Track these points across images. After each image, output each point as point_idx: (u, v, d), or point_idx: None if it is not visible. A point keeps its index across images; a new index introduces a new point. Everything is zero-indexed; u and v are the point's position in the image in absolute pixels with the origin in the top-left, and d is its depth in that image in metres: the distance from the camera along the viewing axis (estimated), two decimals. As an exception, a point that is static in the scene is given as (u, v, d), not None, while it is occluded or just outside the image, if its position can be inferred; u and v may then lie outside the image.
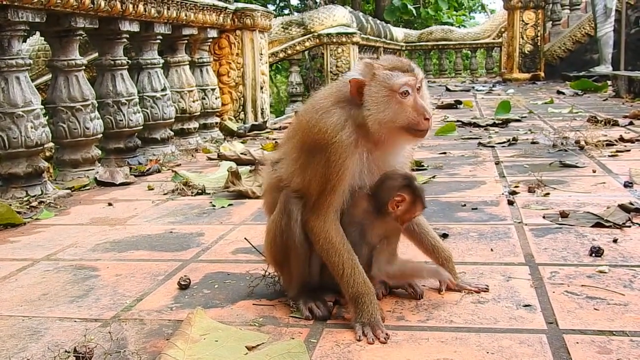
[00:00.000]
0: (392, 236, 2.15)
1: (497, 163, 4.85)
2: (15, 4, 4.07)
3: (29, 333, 2.07)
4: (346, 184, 2.00)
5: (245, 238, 2.74)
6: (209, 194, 4.26)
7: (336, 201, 2.01)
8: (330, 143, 1.95)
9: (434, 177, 4.40)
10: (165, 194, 4.32)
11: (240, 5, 7.84)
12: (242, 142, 6.79)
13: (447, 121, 7.58)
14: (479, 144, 5.89)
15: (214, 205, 3.89)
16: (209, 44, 7.45)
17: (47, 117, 4.78)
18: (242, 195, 4.08)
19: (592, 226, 2.99)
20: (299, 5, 30.41)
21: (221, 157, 5.52)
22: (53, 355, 1.85)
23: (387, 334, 1.90)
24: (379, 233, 2.11)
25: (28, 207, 4.00)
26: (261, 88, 8.24)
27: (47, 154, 5.90)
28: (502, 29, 19.79)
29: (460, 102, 10.18)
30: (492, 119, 7.58)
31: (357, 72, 2.02)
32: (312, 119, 2.03)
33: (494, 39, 20.81)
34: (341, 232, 2.04)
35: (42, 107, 4.49)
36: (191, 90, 6.76)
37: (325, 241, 2.02)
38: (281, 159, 2.17)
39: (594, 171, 4.30)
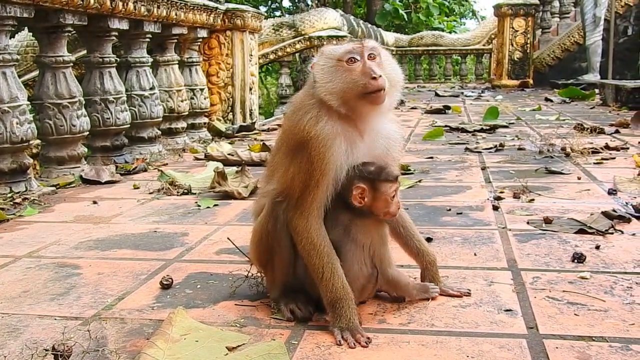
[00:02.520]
0: (380, 234, 2.12)
1: (483, 168, 4.87)
2: (3, -1, 4.05)
3: (7, 330, 2.05)
4: (330, 178, 1.97)
5: (228, 238, 2.73)
6: (195, 194, 4.25)
7: (320, 197, 1.98)
8: (309, 138, 1.95)
9: (420, 181, 4.41)
10: (150, 193, 4.30)
11: (231, 5, 7.83)
12: (230, 143, 6.78)
13: (435, 126, 7.61)
14: (466, 149, 5.91)
15: (199, 206, 3.88)
16: (199, 43, 7.44)
17: (33, 113, 4.75)
18: (227, 196, 4.07)
19: (575, 232, 3.01)
20: (291, 7, 30.44)
21: (208, 158, 5.52)
22: (31, 353, 1.83)
23: (368, 338, 1.90)
24: (366, 229, 2.06)
25: (12, 203, 3.97)
26: (250, 89, 8.23)
27: (33, 150, 5.86)
28: (492, 36, 19.89)
29: (449, 108, 10.22)
30: (480, 125, 7.61)
31: (315, 58, 2.07)
32: (291, 122, 2.05)
33: (484, 45, 20.90)
34: (323, 234, 2.01)
35: (29, 103, 4.46)
36: (180, 90, 6.74)
37: (307, 241, 2.00)
38: (275, 170, 2.14)
39: (579, 178, 4.33)
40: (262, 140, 6.66)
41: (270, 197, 2.12)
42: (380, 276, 2.12)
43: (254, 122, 8.20)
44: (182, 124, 6.90)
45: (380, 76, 1.94)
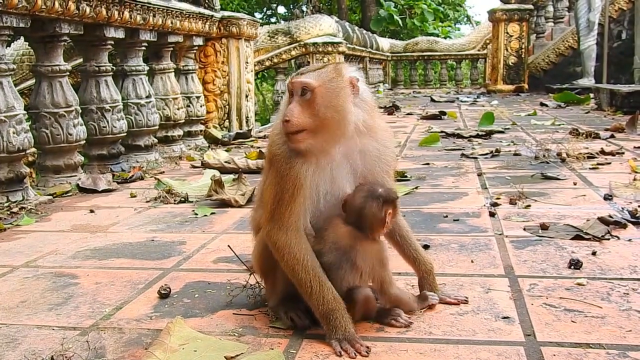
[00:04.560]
0: (379, 258, 2.07)
1: (479, 174, 4.88)
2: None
3: (6, 341, 2.05)
4: (306, 192, 1.96)
5: (228, 246, 2.72)
6: (192, 202, 4.25)
7: (297, 211, 1.96)
8: (275, 154, 1.99)
9: (416, 188, 4.42)
10: (147, 202, 4.30)
11: (226, 13, 7.85)
12: (226, 151, 6.79)
13: (431, 132, 7.62)
14: (462, 155, 5.92)
15: (196, 214, 3.88)
16: (195, 51, 7.45)
17: (29, 122, 4.75)
18: (224, 204, 4.07)
19: (571, 239, 3.02)
20: (286, 14, 30.49)
21: (205, 165, 5.52)
22: (30, 364, 1.84)
23: (367, 347, 1.89)
24: (367, 256, 2.01)
25: (9, 212, 3.97)
26: (246, 96, 8.24)
27: (30, 159, 5.86)
28: (487, 41, 19.95)
29: (444, 113, 10.25)
30: (476, 130, 7.62)
31: None
32: (270, 135, 2.10)
33: (478, 50, 20.97)
34: (305, 247, 1.98)
35: (25, 112, 4.46)
36: (176, 98, 6.74)
37: (289, 256, 1.97)
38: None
39: (575, 183, 4.35)
40: (258, 148, 6.67)
41: None
42: (382, 297, 2.10)
43: (250, 129, 8.21)
44: (178, 132, 6.90)
45: (289, 121, 1.89)
